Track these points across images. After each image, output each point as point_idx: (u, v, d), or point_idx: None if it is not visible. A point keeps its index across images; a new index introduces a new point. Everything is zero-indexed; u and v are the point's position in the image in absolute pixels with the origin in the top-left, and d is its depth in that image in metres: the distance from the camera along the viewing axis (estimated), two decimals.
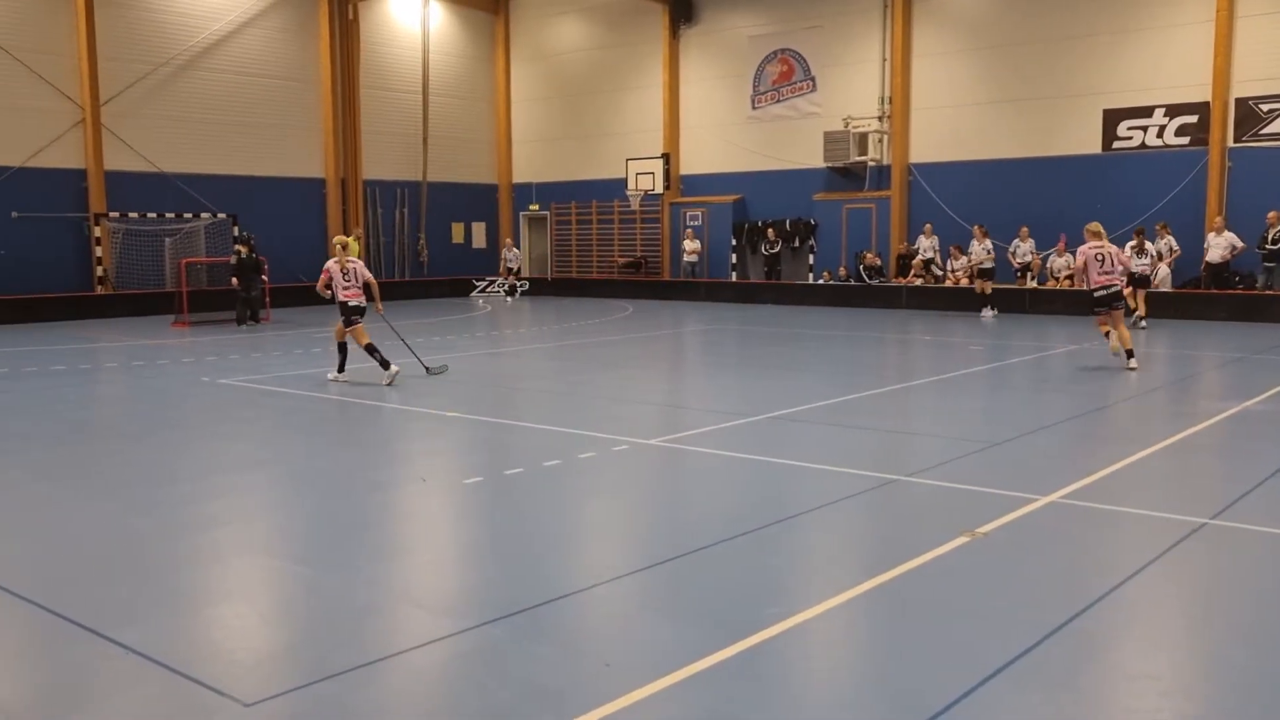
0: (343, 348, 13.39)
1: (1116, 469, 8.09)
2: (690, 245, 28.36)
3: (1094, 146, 23.19)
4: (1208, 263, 21.19)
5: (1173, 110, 22.28)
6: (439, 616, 5.19)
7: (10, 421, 10.69)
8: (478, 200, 32.67)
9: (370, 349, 12.80)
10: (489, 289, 31.49)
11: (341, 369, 13.31)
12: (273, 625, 5.19)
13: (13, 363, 15.29)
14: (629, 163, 28.92)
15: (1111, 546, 6.30)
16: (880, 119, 25.90)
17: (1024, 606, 5.18)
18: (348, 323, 13.03)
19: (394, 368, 12.69)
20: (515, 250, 30.71)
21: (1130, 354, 13.52)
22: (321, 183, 28.59)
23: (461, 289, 31.16)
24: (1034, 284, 23.09)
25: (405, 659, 4.63)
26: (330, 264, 13.24)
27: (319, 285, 13.36)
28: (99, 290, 24.00)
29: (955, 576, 5.65)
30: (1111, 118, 22.91)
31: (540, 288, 31.56)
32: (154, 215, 24.60)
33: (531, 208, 32.85)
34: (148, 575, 5.80)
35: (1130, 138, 22.79)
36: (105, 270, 24.21)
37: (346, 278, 13.09)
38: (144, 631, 4.88)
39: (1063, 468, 8.22)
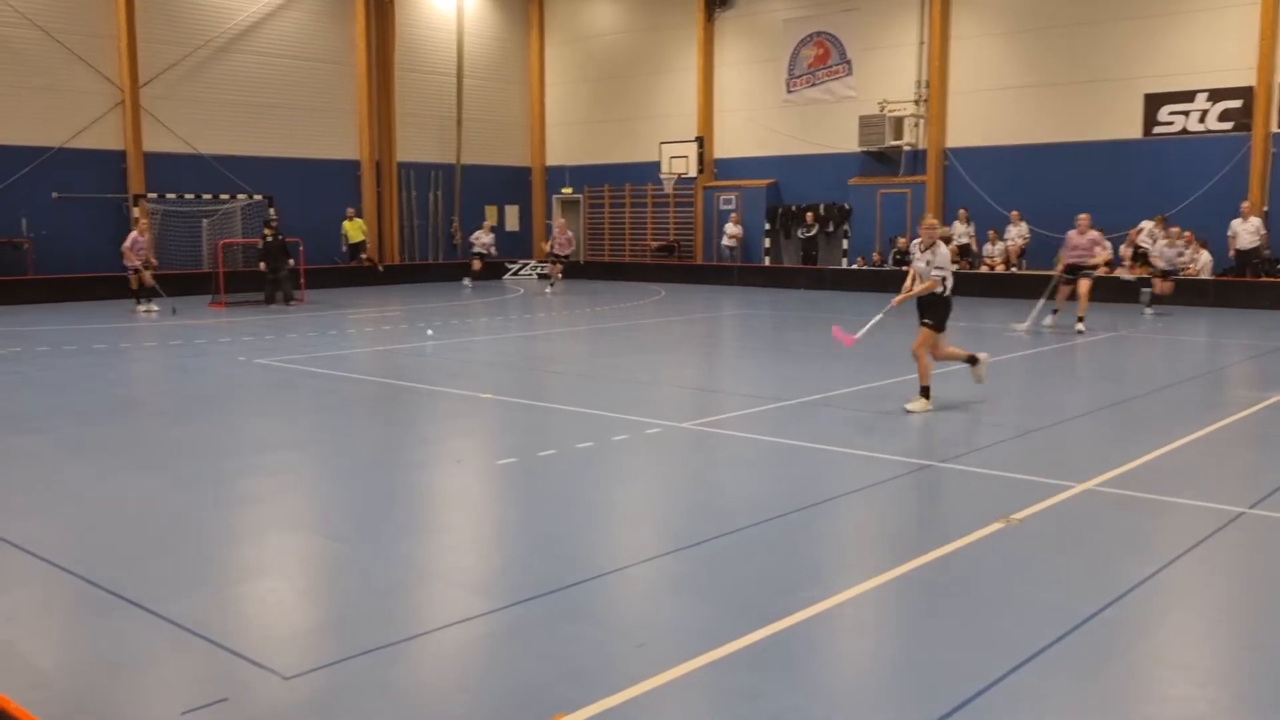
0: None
1: (1153, 457, 8.02)
2: (731, 230, 28.20)
3: (1134, 131, 22.88)
4: (1237, 249, 20.93)
5: (1216, 95, 21.92)
6: (473, 595, 5.24)
7: (53, 399, 10.86)
8: (511, 183, 32.72)
9: None
10: (521, 272, 31.56)
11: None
12: (311, 601, 5.27)
13: (54, 340, 15.52)
14: (663, 146, 28.85)
15: (1147, 534, 6.26)
16: (917, 103, 25.68)
17: (1058, 593, 5.16)
18: None
19: None
20: (488, 234, 28.04)
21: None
22: (356, 165, 28.74)
23: (495, 272, 31.26)
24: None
25: (440, 636, 4.68)
26: None
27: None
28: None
29: (989, 562, 5.64)
30: (1153, 102, 22.57)
31: (573, 271, 31.56)
32: (191, 196, 24.83)
33: (565, 191, 32.86)
34: (189, 550, 5.89)
35: (1171, 123, 22.45)
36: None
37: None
38: (186, 605, 4.97)
39: (1099, 455, 8.15)
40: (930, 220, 10.55)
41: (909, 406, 9.87)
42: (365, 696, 4.06)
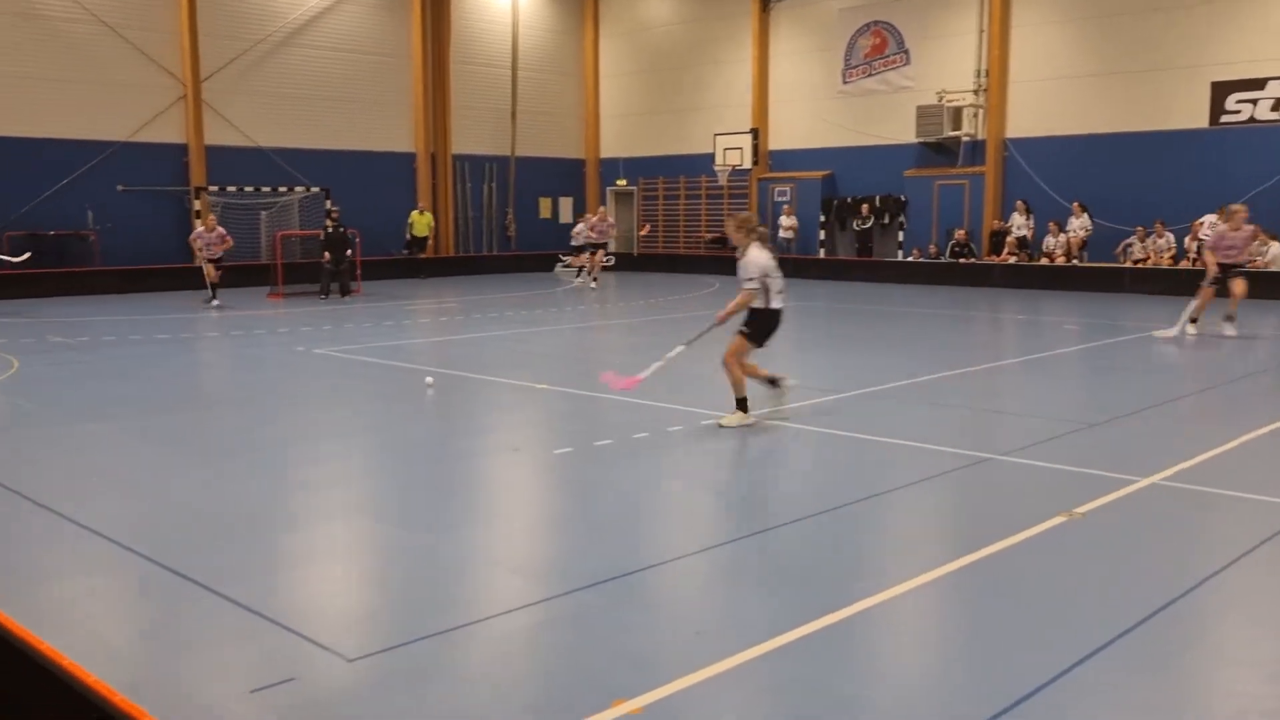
0: None
1: (1221, 451, 7.85)
2: (787, 221, 28.00)
3: (1200, 121, 22.37)
4: None
5: None
6: (531, 582, 5.28)
7: (119, 387, 11.09)
8: (565, 175, 32.82)
9: None
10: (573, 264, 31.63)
11: None
12: (372, 585, 5.34)
13: (120, 330, 15.86)
14: (717, 138, 28.77)
15: (1215, 530, 6.14)
16: (976, 92, 25.33)
17: (1123, 588, 5.07)
18: None
19: None
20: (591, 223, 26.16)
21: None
22: (412, 157, 29.00)
23: (548, 264, 31.37)
24: (1130, 263, 22.45)
25: (499, 622, 4.72)
26: None
27: None
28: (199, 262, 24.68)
29: (1052, 557, 5.56)
30: (1220, 90, 22.05)
31: (626, 263, 31.61)
32: (251, 189, 25.21)
33: (619, 183, 32.89)
34: (253, 535, 5.99)
35: (1239, 111, 21.92)
36: (193, 242, 24.88)
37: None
38: (251, 588, 5.05)
39: (1164, 449, 8.01)
40: (740, 217, 8.91)
41: (722, 421, 8.70)
42: (427, 680, 4.11)
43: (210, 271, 19.97)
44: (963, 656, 4.43)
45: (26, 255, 20.10)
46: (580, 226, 25.82)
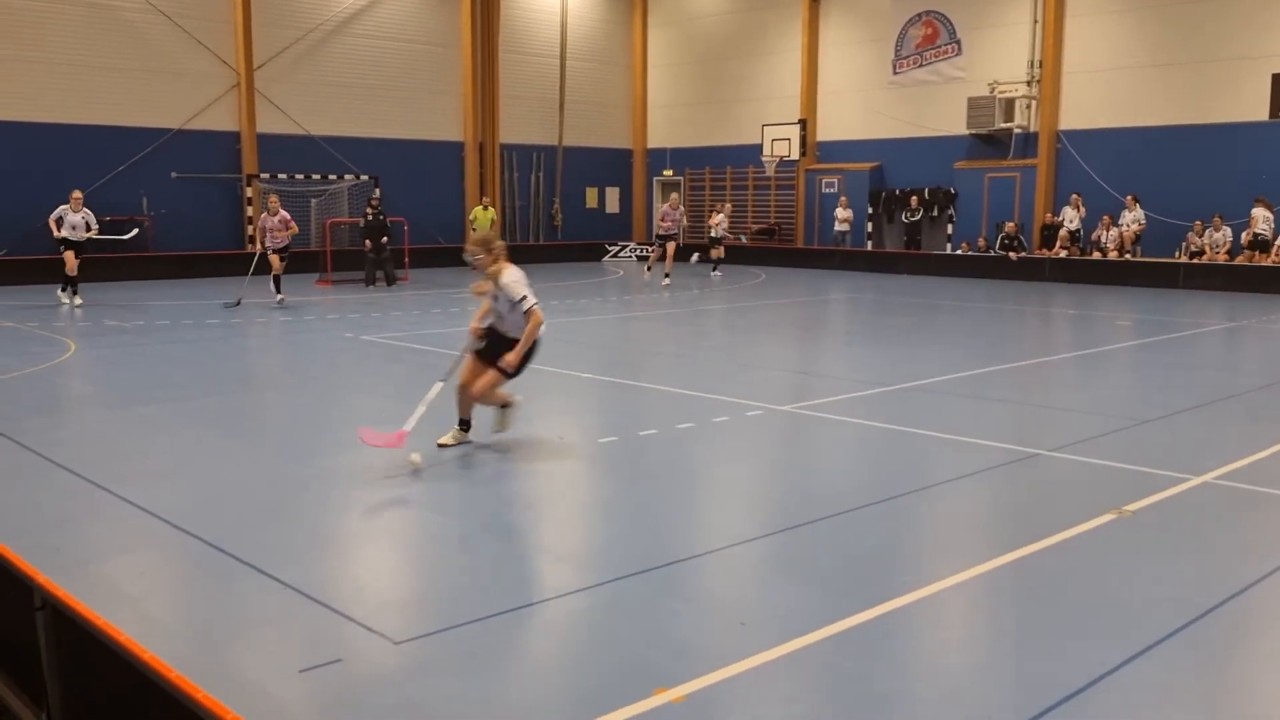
0: None
1: (1275, 451, 7.70)
2: (842, 214, 27.54)
3: (1260, 113, 21.84)
4: None
5: None
6: (574, 569, 5.31)
7: (174, 371, 11.28)
8: (612, 165, 32.82)
9: None
10: (621, 254, 31.66)
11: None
12: (418, 570, 5.40)
13: (173, 315, 16.12)
14: (765, 128, 28.62)
15: (1266, 531, 6.03)
16: (1029, 84, 24.97)
17: (1173, 587, 5.01)
18: None
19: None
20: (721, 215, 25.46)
21: None
22: (460, 146, 29.14)
23: (594, 254, 31.42)
24: (1185, 258, 22.06)
25: (543, 608, 4.76)
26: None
27: None
28: (250, 248, 25.03)
29: (1101, 554, 5.49)
30: None
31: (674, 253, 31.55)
32: (301, 176, 25.47)
33: (665, 173, 32.85)
34: (302, 518, 6.08)
35: None
36: (256, 229, 25.22)
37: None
38: (300, 570, 5.13)
39: (1217, 448, 7.87)
40: (481, 237, 7.60)
41: (440, 440, 7.62)
42: (471, 664, 4.15)
43: (275, 263, 17.77)
44: (1005, 654, 4.39)
45: (135, 232, 20.06)
46: (719, 217, 25.07)
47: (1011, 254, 24.27)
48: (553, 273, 25.97)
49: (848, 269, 27.13)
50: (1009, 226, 24.72)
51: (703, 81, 31.52)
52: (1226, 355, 13.08)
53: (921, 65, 26.93)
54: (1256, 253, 21.02)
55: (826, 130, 29.01)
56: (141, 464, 7.32)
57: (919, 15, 26.82)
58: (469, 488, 6.84)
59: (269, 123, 25.43)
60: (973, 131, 25.60)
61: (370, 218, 22.18)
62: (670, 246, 22.75)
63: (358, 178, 26.06)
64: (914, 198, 26.69)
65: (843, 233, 27.75)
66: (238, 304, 16.27)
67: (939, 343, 14.22)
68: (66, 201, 17.99)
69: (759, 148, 28.73)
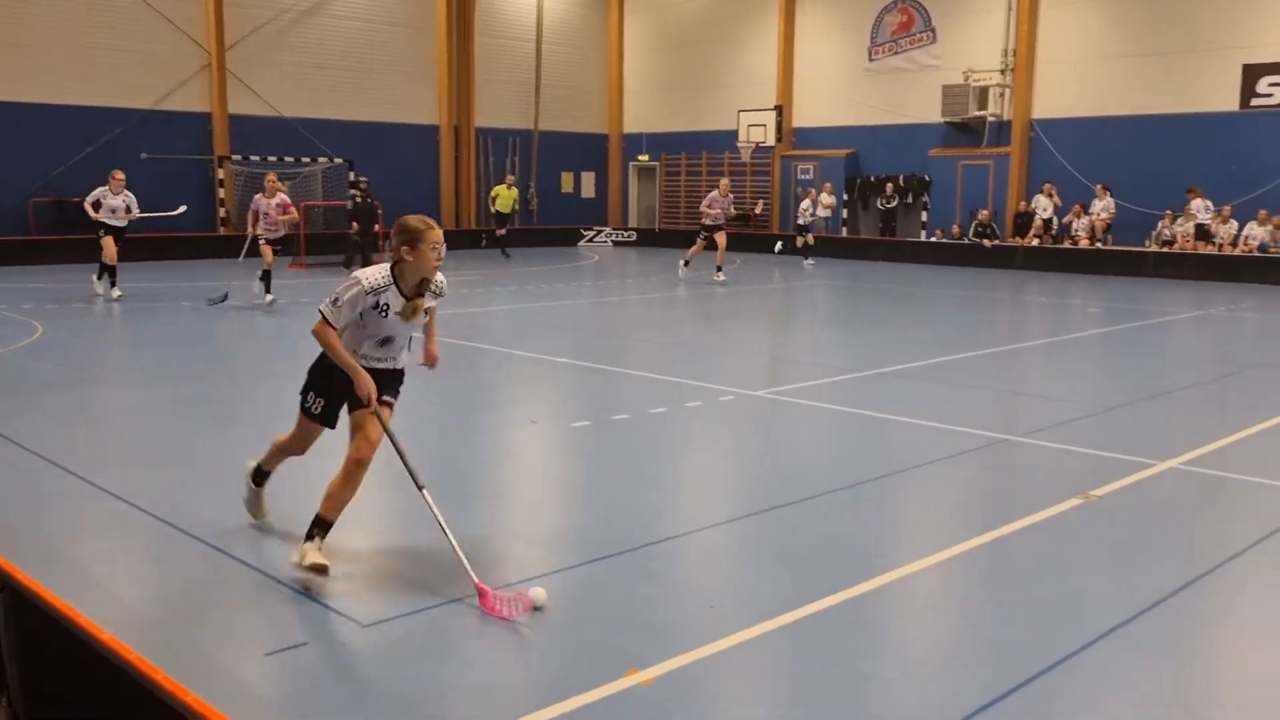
0: None
1: (1241, 437, 7.80)
2: (826, 199, 26.88)
3: (1230, 104, 22.05)
4: None
5: None
6: (546, 552, 5.30)
7: (149, 354, 11.18)
8: (588, 150, 32.72)
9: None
10: (596, 238, 31.59)
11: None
12: (388, 553, 5.38)
13: (148, 299, 15.94)
14: (741, 114, 28.59)
15: (1232, 515, 6.10)
16: (1003, 72, 25.05)
17: (1137, 571, 5.06)
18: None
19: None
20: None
21: None
22: (435, 129, 28.96)
23: (570, 238, 31.34)
24: (1155, 246, 22.24)
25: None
26: None
27: None
28: (222, 230, 24.81)
29: (1067, 538, 5.54)
30: (1252, 73, 21.70)
31: (646, 238, 31.55)
32: (274, 158, 25.24)
33: (641, 158, 32.78)
34: (271, 500, 6.03)
35: (1270, 95, 21.58)
36: (228, 211, 25.00)
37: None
38: (267, 554, 5.10)
39: (1183, 434, 7.96)
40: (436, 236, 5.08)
41: (248, 461, 5.84)
42: (440, 646, 4.15)
43: (267, 255, 15.09)
44: (976, 634, 4.43)
45: (183, 209, 19.32)
46: (806, 204, 24.46)
47: (985, 241, 24.41)
48: (528, 257, 25.89)
49: (822, 255, 27.09)
50: (983, 214, 24.86)
51: (679, 66, 31.44)
52: (1194, 342, 13.21)
53: (897, 53, 26.97)
54: (1202, 243, 21.27)
55: (802, 117, 29.03)
56: (105, 447, 7.25)
57: (895, 3, 26.85)
58: (437, 471, 6.80)
59: (241, 104, 25.17)
60: (947, 119, 25.68)
61: (360, 200, 22.02)
62: (721, 238, 20.17)
63: (331, 160, 25.87)
64: (889, 185, 26.76)
65: (824, 219, 27.67)
66: (223, 299, 15.59)
67: (912, 329, 14.29)
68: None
69: (735, 133, 28.70)
